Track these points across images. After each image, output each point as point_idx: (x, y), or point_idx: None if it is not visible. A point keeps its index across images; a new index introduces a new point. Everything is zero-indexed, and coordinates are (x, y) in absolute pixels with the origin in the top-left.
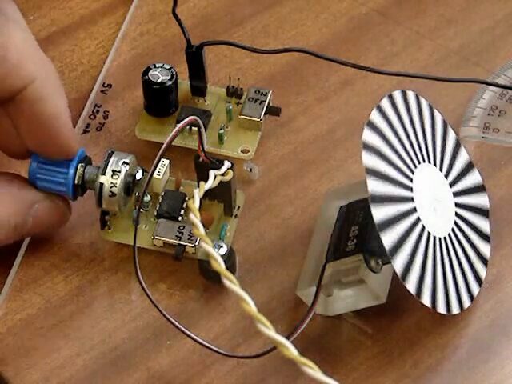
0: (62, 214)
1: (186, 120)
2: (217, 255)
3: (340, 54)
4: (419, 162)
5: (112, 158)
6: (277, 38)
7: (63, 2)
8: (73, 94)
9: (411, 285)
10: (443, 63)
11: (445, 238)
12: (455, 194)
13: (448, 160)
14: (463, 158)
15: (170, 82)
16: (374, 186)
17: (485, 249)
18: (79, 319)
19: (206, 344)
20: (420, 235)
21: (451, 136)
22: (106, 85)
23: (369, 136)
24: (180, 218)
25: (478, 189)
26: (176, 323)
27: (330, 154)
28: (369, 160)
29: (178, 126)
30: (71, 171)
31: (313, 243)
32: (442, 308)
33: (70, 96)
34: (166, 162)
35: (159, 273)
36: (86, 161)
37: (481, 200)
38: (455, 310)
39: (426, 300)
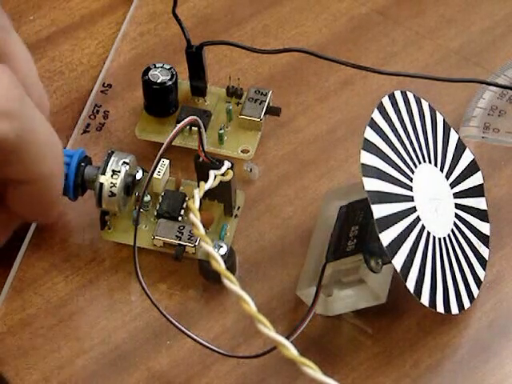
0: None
1: (185, 120)
2: (217, 255)
3: (340, 54)
4: (419, 162)
5: (112, 158)
6: (277, 38)
7: (63, 2)
8: (73, 93)
9: (410, 283)
10: (443, 63)
11: (445, 238)
12: (455, 195)
13: (449, 161)
14: (466, 159)
15: (170, 82)
16: (372, 185)
17: (483, 250)
18: (79, 319)
19: (206, 344)
20: (419, 234)
21: (453, 137)
22: (105, 85)
23: (370, 134)
24: (180, 218)
25: (478, 191)
26: (176, 323)
27: (329, 154)
28: (368, 158)
29: (178, 126)
30: (71, 171)
31: (313, 243)
32: (440, 307)
33: (70, 96)
34: (166, 162)
35: (159, 273)
36: (86, 161)
37: (480, 203)
38: (454, 309)
39: (424, 299)
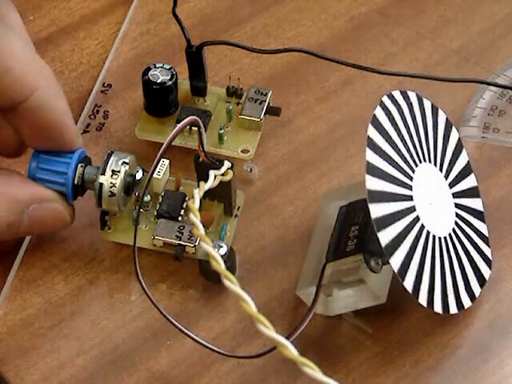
0: (62, 218)
1: (185, 120)
2: (217, 255)
3: (340, 54)
4: (420, 161)
5: (111, 158)
6: (277, 38)
7: (63, 2)
8: (73, 93)
9: (409, 283)
10: (443, 63)
11: (445, 237)
12: (454, 195)
13: (448, 160)
14: (463, 160)
15: (170, 82)
16: (373, 184)
17: (486, 250)
18: (79, 319)
19: (206, 344)
20: (419, 234)
21: (454, 137)
22: (105, 85)
23: (373, 133)
24: (180, 218)
25: (473, 193)
26: (176, 323)
27: (329, 154)
28: (372, 157)
29: (178, 126)
30: (71, 171)
31: (313, 243)
32: (438, 308)
33: (70, 96)
34: (166, 162)
35: (159, 273)
36: (86, 161)
37: (476, 204)
38: (453, 309)
39: (422, 299)
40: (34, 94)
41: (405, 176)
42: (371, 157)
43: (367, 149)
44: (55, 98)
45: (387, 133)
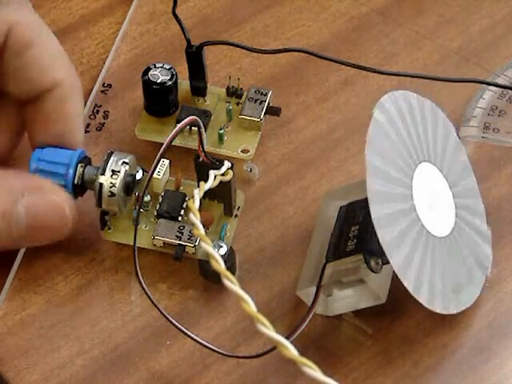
0: (60, 211)
1: (185, 120)
2: (217, 255)
3: (340, 53)
4: (420, 161)
5: (111, 158)
6: (277, 38)
7: (63, 2)
8: None
9: (409, 283)
10: (443, 63)
11: (445, 237)
12: (455, 195)
13: (448, 161)
14: (463, 161)
15: (170, 82)
16: (374, 184)
17: (487, 250)
18: (79, 319)
19: (206, 344)
20: (419, 234)
21: (453, 137)
22: (105, 85)
23: (374, 132)
24: (180, 218)
25: (473, 193)
26: (176, 323)
27: (329, 154)
28: (372, 157)
29: (178, 126)
30: (71, 172)
31: (313, 243)
32: (439, 307)
33: None
34: (166, 162)
35: (159, 273)
36: (86, 161)
37: (477, 204)
38: (453, 309)
39: (423, 299)
40: (60, 85)
41: (405, 175)
42: (371, 156)
43: (367, 148)
44: (78, 92)
45: (387, 132)
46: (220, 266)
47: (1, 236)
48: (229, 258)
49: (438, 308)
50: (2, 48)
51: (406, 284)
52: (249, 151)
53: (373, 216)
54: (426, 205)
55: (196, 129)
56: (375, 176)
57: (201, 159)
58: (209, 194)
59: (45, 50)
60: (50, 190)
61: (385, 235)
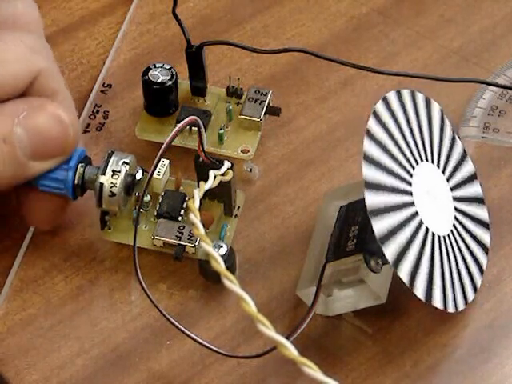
0: (62, 123)
1: (186, 120)
2: (217, 255)
3: (340, 54)
4: (421, 160)
5: (112, 158)
6: (277, 38)
7: (63, 1)
8: (73, 94)
9: (404, 274)
10: (443, 63)
11: (446, 236)
12: (455, 199)
13: (452, 165)
14: (468, 168)
15: (170, 82)
16: (369, 173)
17: (482, 251)
18: (79, 319)
19: (206, 344)
20: (417, 229)
21: (458, 145)
22: (105, 85)
23: (373, 125)
24: (180, 218)
25: (478, 200)
26: (176, 323)
27: (329, 154)
28: (368, 171)
29: (178, 126)
30: (71, 171)
31: (313, 243)
32: (437, 303)
33: None
34: (166, 162)
35: (159, 273)
36: (86, 161)
37: (479, 211)
38: (451, 307)
39: (419, 293)
40: (56, 97)
41: (404, 171)
42: (370, 147)
43: (365, 139)
44: (71, 105)
45: (387, 127)
46: (220, 266)
47: (8, 162)
48: (229, 258)
49: (437, 303)
50: (25, 94)
51: (401, 276)
52: (249, 151)
53: (367, 204)
54: (425, 202)
55: (196, 129)
56: (371, 165)
57: (201, 159)
58: (209, 194)
59: (66, 100)
60: (49, 105)
61: (379, 225)
